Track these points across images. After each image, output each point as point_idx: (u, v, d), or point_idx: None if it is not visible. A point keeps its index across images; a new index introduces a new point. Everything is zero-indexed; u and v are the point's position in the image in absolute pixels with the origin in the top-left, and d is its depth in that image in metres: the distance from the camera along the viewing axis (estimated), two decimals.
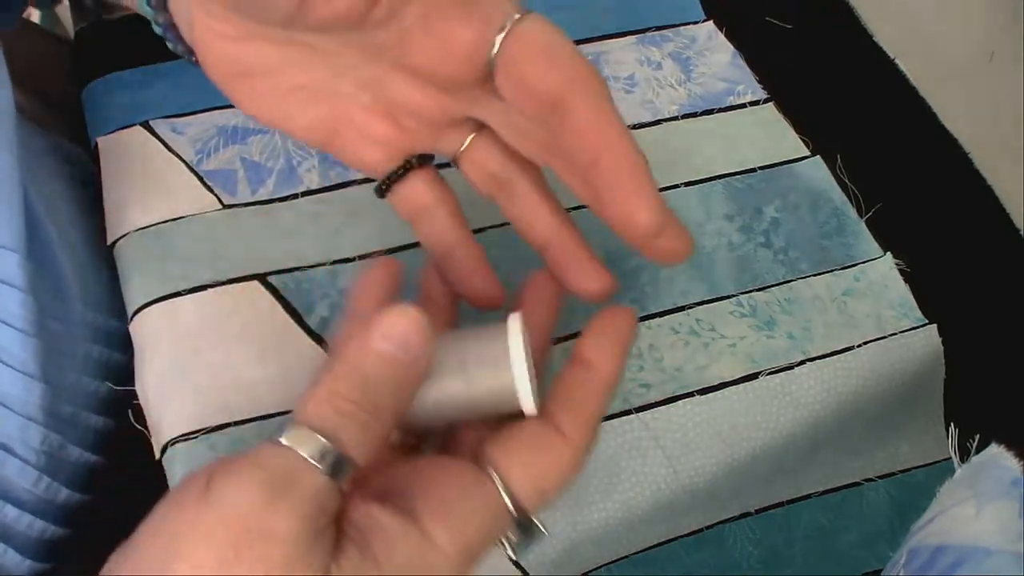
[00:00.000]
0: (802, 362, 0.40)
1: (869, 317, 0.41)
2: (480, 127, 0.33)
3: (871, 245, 0.44)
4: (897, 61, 0.50)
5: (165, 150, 0.44)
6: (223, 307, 0.39)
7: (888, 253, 0.43)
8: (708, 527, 0.40)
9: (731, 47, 0.50)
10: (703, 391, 0.39)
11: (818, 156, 0.47)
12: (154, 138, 0.44)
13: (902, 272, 0.43)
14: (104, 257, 0.42)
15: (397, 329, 0.27)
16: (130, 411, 0.38)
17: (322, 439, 0.24)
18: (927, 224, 0.45)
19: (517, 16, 0.28)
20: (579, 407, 0.29)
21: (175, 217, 0.42)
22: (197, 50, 0.31)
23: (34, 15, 0.65)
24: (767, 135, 0.47)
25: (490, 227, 0.43)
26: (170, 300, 0.39)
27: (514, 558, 0.29)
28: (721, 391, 0.39)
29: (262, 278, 0.40)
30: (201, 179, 0.43)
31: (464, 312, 0.35)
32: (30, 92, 0.49)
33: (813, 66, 0.51)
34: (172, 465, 0.36)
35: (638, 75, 0.49)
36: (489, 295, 0.34)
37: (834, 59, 0.51)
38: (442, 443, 0.31)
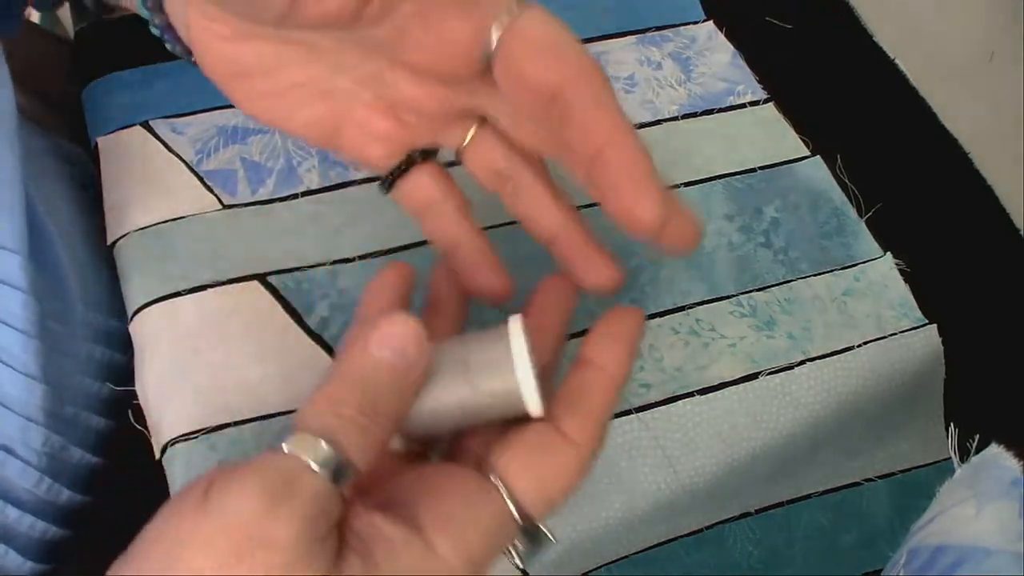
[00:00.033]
0: (802, 362, 0.40)
1: (869, 317, 0.42)
2: (483, 120, 0.33)
3: (871, 245, 0.44)
4: (897, 61, 0.50)
5: (165, 150, 0.44)
6: (223, 307, 0.39)
7: (888, 253, 0.43)
8: (708, 527, 0.40)
9: (731, 47, 0.50)
10: (703, 391, 0.39)
11: (818, 156, 0.47)
12: (154, 138, 0.44)
13: (902, 272, 0.43)
14: (104, 257, 0.42)
15: (394, 336, 0.27)
16: (130, 411, 0.38)
17: (323, 444, 0.24)
18: (927, 224, 0.45)
19: (516, 9, 0.27)
20: (585, 410, 0.28)
21: (175, 217, 0.42)
22: (195, 51, 0.31)
23: (34, 15, 0.65)
24: (767, 135, 0.47)
25: (491, 227, 0.43)
26: (170, 300, 0.39)
27: (521, 567, 0.29)
28: (721, 391, 0.39)
29: (262, 278, 0.40)
30: (201, 179, 0.43)
31: (473, 316, 0.35)
32: (30, 92, 0.49)
33: (813, 66, 0.51)
34: (172, 465, 0.36)
35: (638, 75, 0.49)
36: (498, 289, 0.33)
37: (834, 59, 0.51)
38: (448, 450, 0.31)
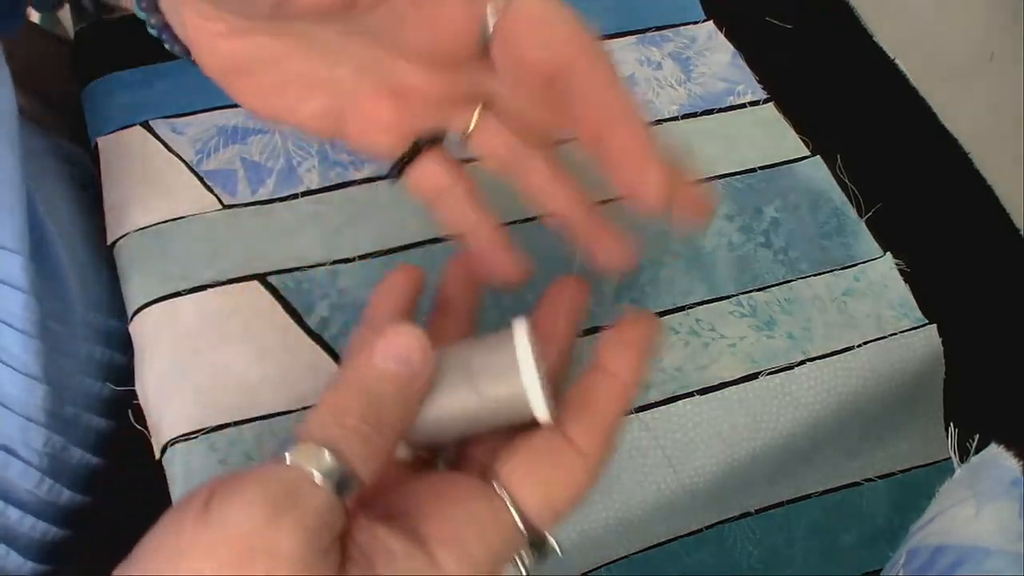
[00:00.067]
0: (802, 362, 0.40)
1: (869, 317, 0.42)
2: (487, 104, 0.32)
3: (871, 245, 0.44)
4: (897, 61, 0.50)
5: (165, 150, 0.44)
6: (223, 307, 0.39)
7: (888, 253, 0.43)
8: (708, 527, 0.40)
9: (731, 47, 0.50)
10: (703, 391, 0.39)
11: (818, 156, 0.47)
12: (154, 138, 0.44)
13: (902, 272, 0.43)
14: (104, 257, 0.42)
15: (398, 346, 0.27)
16: (130, 411, 0.38)
17: (326, 455, 0.24)
18: (927, 224, 0.45)
19: None
20: (594, 417, 0.28)
21: (175, 217, 0.42)
22: (192, 49, 0.31)
23: (34, 15, 0.65)
24: (767, 135, 0.47)
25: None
26: (170, 300, 0.39)
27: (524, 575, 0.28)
28: (721, 391, 0.39)
29: (262, 278, 0.40)
30: (201, 179, 0.43)
31: (484, 318, 0.35)
32: (30, 92, 0.49)
33: (813, 66, 0.51)
34: (172, 465, 0.36)
35: (638, 75, 0.49)
36: (515, 273, 0.33)
37: (834, 59, 0.51)
38: (454, 458, 0.30)
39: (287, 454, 0.24)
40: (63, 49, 0.54)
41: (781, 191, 0.45)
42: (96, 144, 0.44)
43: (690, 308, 0.41)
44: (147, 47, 0.47)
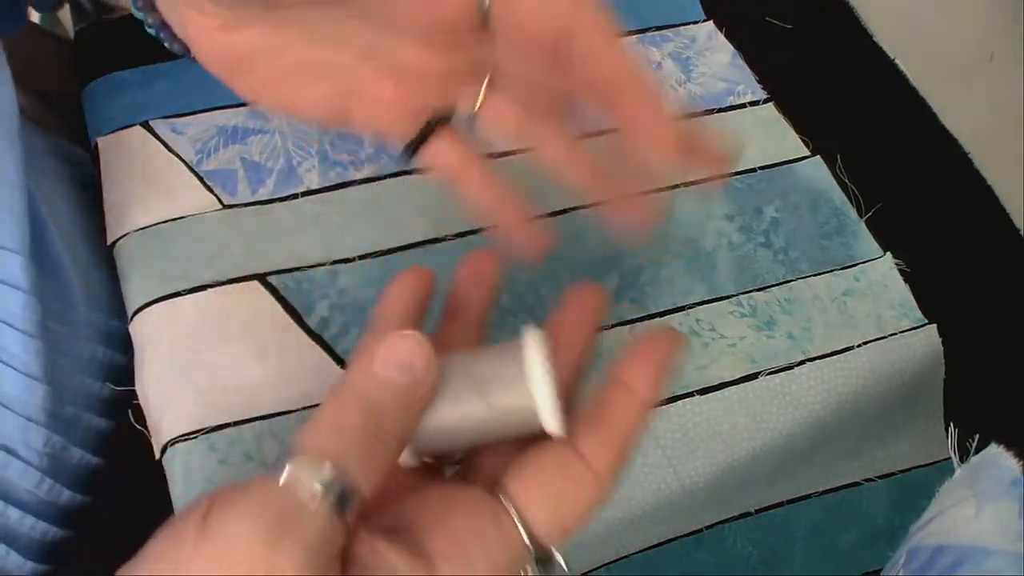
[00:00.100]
0: (802, 362, 0.40)
1: (869, 317, 0.42)
2: (493, 77, 0.32)
3: (871, 245, 0.44)
4: (897, 61, 0.50)
5: (165, 150, 0.44)
6: (223, 307, 0.39)
7: (888, 253, 0.43)
8: (708, 527, 0.40)
9: (731, 47, 0.50)
10: (703, 391, 0.39)
11: (818, 156, 0.47)
12: (154, 138, 0.44)
13: (902, 272, 0.43)
14: (104, 257, 0.42)
15: (399, 353, 0.26)
16: (130, 411, 0.38)
17: (326, 469, 0.23)
18: (927, 224, 0.45)
19: None
20: (609, 433, 0.27)
21: (175, 217, 0.42)
22: (191, 45, 0.31)
23: (34, 15, 0.65)
24: (767, 135, 0.47)
25: (490, 227, 0.43)
26: (170, 300, 0.39)
27: None
28: (721, 391, 0.39)
29: (262, 278, 0.40)
30: (201, 179, 0.43)
31: (496, 321, 0.34)
32: (30, 92, 0.49)
33: (813, 66, 0.51)
34: (172, 465, 0.36)
35: None
36: (540, 242, 0.33)
37: (834, 59, 0.51)
38: (462, 467, 0.30)
39: (286, 467, 0.23)
40: (63, 49, 0.54)
41: (781, 191, 0.45)
42: (96, 144, 0.44)
43: (690, 308, 0.41)
44: (147, 47, 0.47)
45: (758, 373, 0.40)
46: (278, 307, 0.40)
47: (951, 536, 0.27)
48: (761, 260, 0.43)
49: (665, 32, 0.51)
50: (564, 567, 0.26)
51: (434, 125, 0.32)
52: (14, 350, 0.36)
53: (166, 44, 0.33)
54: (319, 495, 0.23)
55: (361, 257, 0.41)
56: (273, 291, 0.40)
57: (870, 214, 0.45)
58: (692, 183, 0.45)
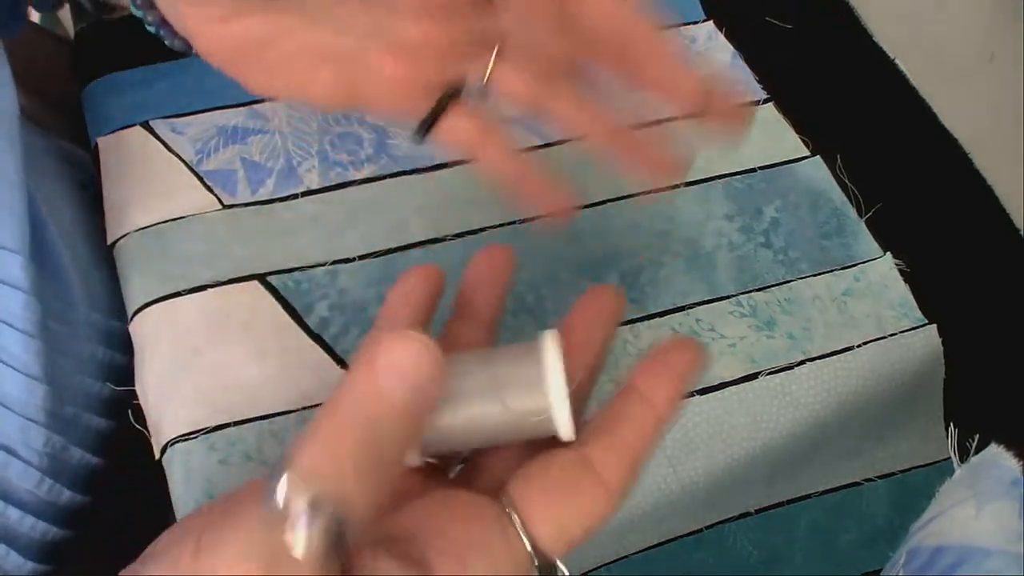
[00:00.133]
0: (802, 362, 0.40)
1: (869, 317, 0.42)
2: (500, 44, 0.31)
3: (871, 245, 0.44)
4: (897, 61, 0.50)
5: (165, 150, 0.44)
6: (223, 307, 0.39)
7: (888, 253, 0.43)
8: (708, 527, 0.40)
9: (731, 47, 0.50)
10: (703, 391, 0.39)
11: (818, 156, 0.47)
12: (154, 138, 0.44)
13: (902, 272, 0.43)
14: (104, 257, 0.43)
15: (403, 359, 0.23)
16: (130, 411, 0.38)
17: (319, 494, 0.21)
18: (927, 224, 0.45)
19: None
20: (622, 445, 0.26)
21: (175, 217, 0.42)
22: (192, 39, 0.31)
23: (34, 15, 0.65)
24: (767, 135, 0.47)
25: (491, 227, 0.43)
26: (170, 300, 0.39)
27: None
28: (721, 391, 0.39)
29: (262, 278, 0.40)
30: (201, 179, 0.43)
31: (507, 323, 0.34)
32: (30, 92, 0.49)
33: (813, 66, 0.51)
34: (172, 465, 0.36)
35: None
36: (566, 206, 0.32)
37: (834, 59, 0.51)
38: (467, 467, 0.29)
39: (278, 492, 0.21)
40: (63, 49, 0.54)
41: (781, 191, 0.45)
42: (96, 144, 0.44)
43: (690, 308, 0.41)
44: (147, 47, 0.47)
45: (758, 373, 0.40)
46: (278, 307, 0.40)
47: (951, 536, 0.27)
48: (761, 260, 0.43)
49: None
50: (566, 573, 0.26)
51: (446, 100, 0.32)
52: (14, 350, 0.36)
53: (166, 41, 0.33)
54: (314, 531, 0.21)
55: (361, 257, 0.41)
56: (273, 291, 0.40)
57: (870, 214, 0.45)
58: (691, 183, 0.45)
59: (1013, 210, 0.46)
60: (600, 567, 0.38)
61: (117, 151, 0.44)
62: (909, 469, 0.43)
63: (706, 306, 0.41)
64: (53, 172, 0.45)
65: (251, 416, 0.37)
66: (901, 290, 0.42)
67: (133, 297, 0.40)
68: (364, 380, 0.23)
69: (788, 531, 0.41)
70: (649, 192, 0.32)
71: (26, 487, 0.37)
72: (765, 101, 0.48)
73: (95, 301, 0.43)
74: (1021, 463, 0.28)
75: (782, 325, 0.41)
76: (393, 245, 0.42)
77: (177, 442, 0.36)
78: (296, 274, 0.41)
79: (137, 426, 0.38)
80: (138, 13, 0.32)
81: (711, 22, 0.51)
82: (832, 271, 0.43)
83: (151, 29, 0.33)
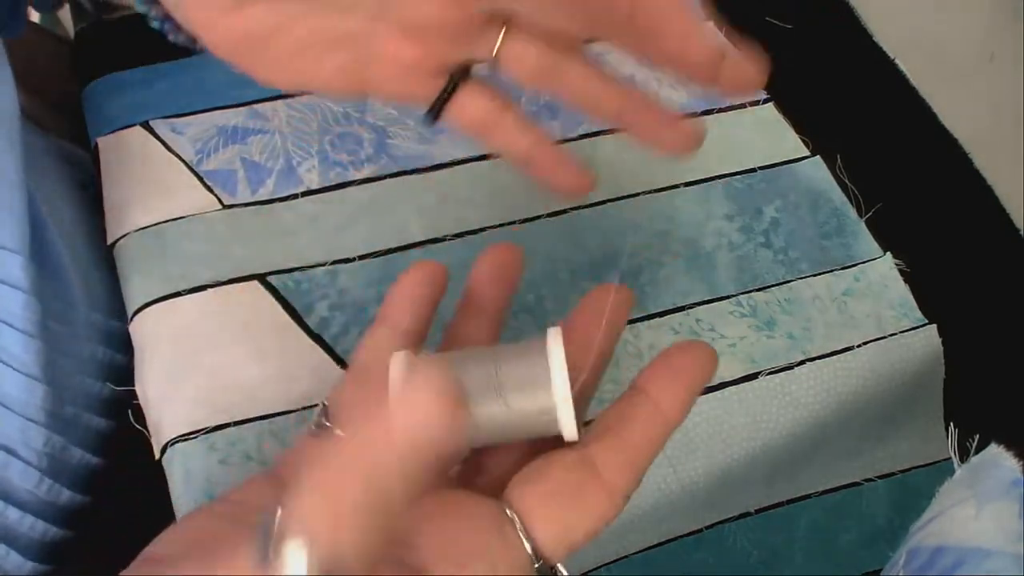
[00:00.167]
0: (802, 362, 0.40)
1: (869, 317, 0.41)
2: (507, 22, 0.31)
3: (871, 245, 0.44)
4: (897, 61, 0.50)
5: (165, 150, 0.44)
6: (223, 307, 0.39)
7: (888, 253, 0.43)
8: (708, 527, 0.40)
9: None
10: (703, 391, 0.39)
11: (818, 156, 0.47)
12: (154, 138, 0.44)
13: (902, 272, 0.43)
14: (104, 257, 0.43)
15: (422, 411, 0.21)
16: (130, 411, 0.38)
17: (317, 554, 0.20)
18: (927, 224, 0.45)
19: None
20: (627, 447, 0.25)
21: (175, 217, 0.42)
22: (197, 32, 0.30)
23: (34, 15, 0.65)
24: (767, 135, 0.47)
25: (491, 227, 0.43)
26: (170, 300, 0.39)
27: None
28: (721, 391, 0.39)
29: (262, 278, 0.40)
30: (201, 179, 0.43)
31: (508, 324, 0.34)
32: (30, 92, 0.49)
33: (813, 66, 0.51)
34: (172, 465, 0.36)
35: (638, 75, 0.49)
36: (582, 182, 0.32)
37: (834, 59, 0.51)
38: (466, 465, 0.28)
39: (271, 547, 0.20)
40: (63, 49, 0.54)
41: (781, 191, 0.45)
42: (96, 144, 0.44)
43: (690, 308, 0.41)
44: (147, 47, 0.47)
45: (758, 373, 0.40)
46: (278, 307, 0.40)
47: (951, 536, 0.27)
48: (761, 260, 0.43)
49: None
50: (565, 575, 0.25)
51: (457, 80, 0.31)
52: (14, 350, 0.36)
53: (170, 37, 0.33)
54: None
55: (361, 257, 0.41)
56: (273, 291, 0.40)
57: (870, 214, 0.45)
58: (691, 183, 0.45)
59: (1013, 210, 0.46)
60: (600, 567, 0.38)
61: (117, 151, 0.44)
62: (909, 469, 0.43)
63: (706, 306, 0.41)
64: (53, 172, 0.45)
65: (251, 416, 0.37)
66: (901, 290, 0.42)
67: (133, 297, 0.40)
68: (373, 431, 0.21)
69: (788, 531, 0.41)
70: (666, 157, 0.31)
71: (26, 487, 0.37)
72: (765, 101, 0.48)
73: (95, 301, 0.43)
74: (1021, 463, 0.28)
75: (782, 325, 0.41)
76: (393, 245, 0.42)
77: (177, 442, 0.36)
78: (296, 274, 0.41)
79: (137, 426, 0.38)
80: (142, 9, 0.32)
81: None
82: (832, 271, 0.43)
83: (155, 25, 0.33)
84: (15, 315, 0.36)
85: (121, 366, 0.43)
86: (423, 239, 0.42)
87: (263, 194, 0.43)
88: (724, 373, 0.39)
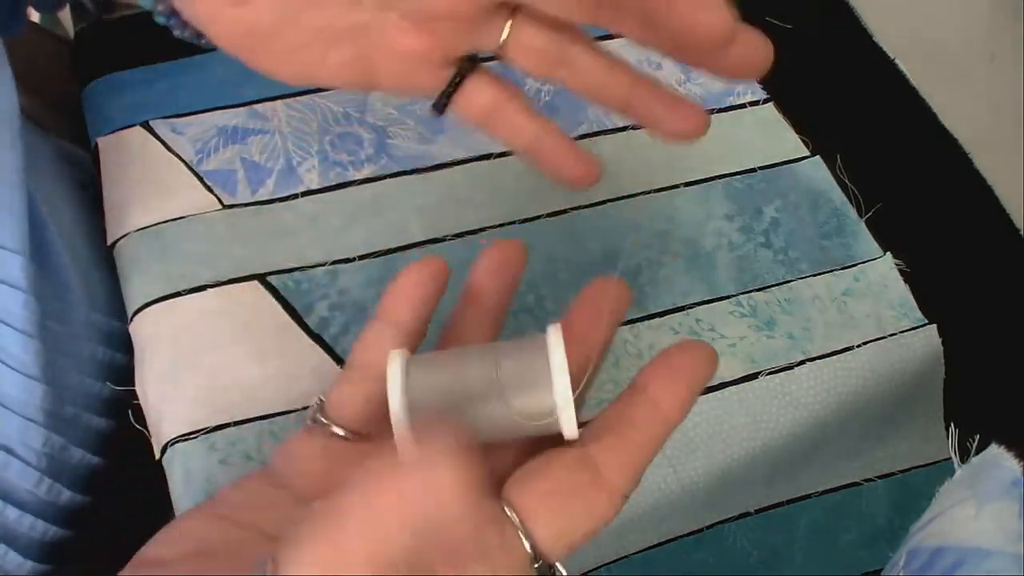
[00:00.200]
0: (802, 362, 0.40)
1: (869, 317, 0.41)
2: (514, 10, 0.30)
3: (871, 245, 0.44)
4: (897, 61, 0.50)
5: (165, 150, 0.44)
6: (223, 307, 0.39)
7: (888, 253, 0.43)
8: (708, 527, 0.40)
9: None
10: (703, 391, 0.39)
11: (818, 156, 0.47)
12: (154, 138, 0.44)
13: (902, 272, 0.43)
14: (104, 257, 0.43)
15: (436, 490, 0.20)
16: (130, 411, 0.38)
17: None
18: (927, 224, 0.45)
19: None
20: (628, 448, 0.25)
21: (175, 217, 0.42)
22: (203, 25, 0.30)
23: (34, 15, 0.65)
24: (767, 135, 0.47)
25: (491, 227, 0.43)
26: (170, 300, 0.39)
27: None
28: (721, 391, 0.39)
29: (262, 278, 0.40)
30: (201, 179, 0.43)
31: (507, 324, 0.33)
32: (30, 92, 0.49)
33: (813, 66, 0.50)
34: (172, 465, 0.36)
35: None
36: (590, 171, 0.32)
37: (834, 59, 0.51)
38: None
39: None
40: (63, 49, 0.54)
41: (781, 191, 0.45)
42: (96, 144, 0.44)
43: (690, 308, 0.41)
44: (147, 47, 0.47)
45: (758, 373, 0.40)
46: (278, 307, 0.40)
47: (951, 537, 0.27)
48: (761, 260, 0.43)
49: None
50: (565, 575, 0.25)
51: (465, 72, 0.31)
52: (13, 350, 0.36)
53: (175, 32, 0.33)
54: None
55: (361, 257, 0.41)
56: (273, 291, 0.40)
57: (870, 214, 0.45)
58: (691, 183, 0.45)
59: (1013, 210, 0.46)
60: (600, 567, 0.38)
61: (117, 151, 0.44)
62: (909, 469, 0.43)
63: (706, 306, 0.41)
64: (53, 172, 0.45)
65: (251, 416, 0.37)
66: (901, 290, 0.42)
67: (133, 297, 0.40)
68: (385, 493, 0.21)
69: (788, 531, 0.41)
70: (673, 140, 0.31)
71: (25, 487, 0.37)
72: (765, 101, 0.48)
73: (95, 301, 0.43)
74: (1021, 463, 0.28)
75: (782, 325, 0.41)
76: (393, 245, 0.42)
77: (177, 442, 0.36)
78: (296, 274, 0.41)
79: (137, 426, 0.38)
80: (147, 4, 0.32)
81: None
82: (832, 271, 0.43)
83: (160, 20, 0.33)
84: (15, 315, 0.36)
85: (121, 366, 0.43)
86: (423, 239, 0.42)
87: (263, 194, 0.43)
88: (724, 373, 0.39)
